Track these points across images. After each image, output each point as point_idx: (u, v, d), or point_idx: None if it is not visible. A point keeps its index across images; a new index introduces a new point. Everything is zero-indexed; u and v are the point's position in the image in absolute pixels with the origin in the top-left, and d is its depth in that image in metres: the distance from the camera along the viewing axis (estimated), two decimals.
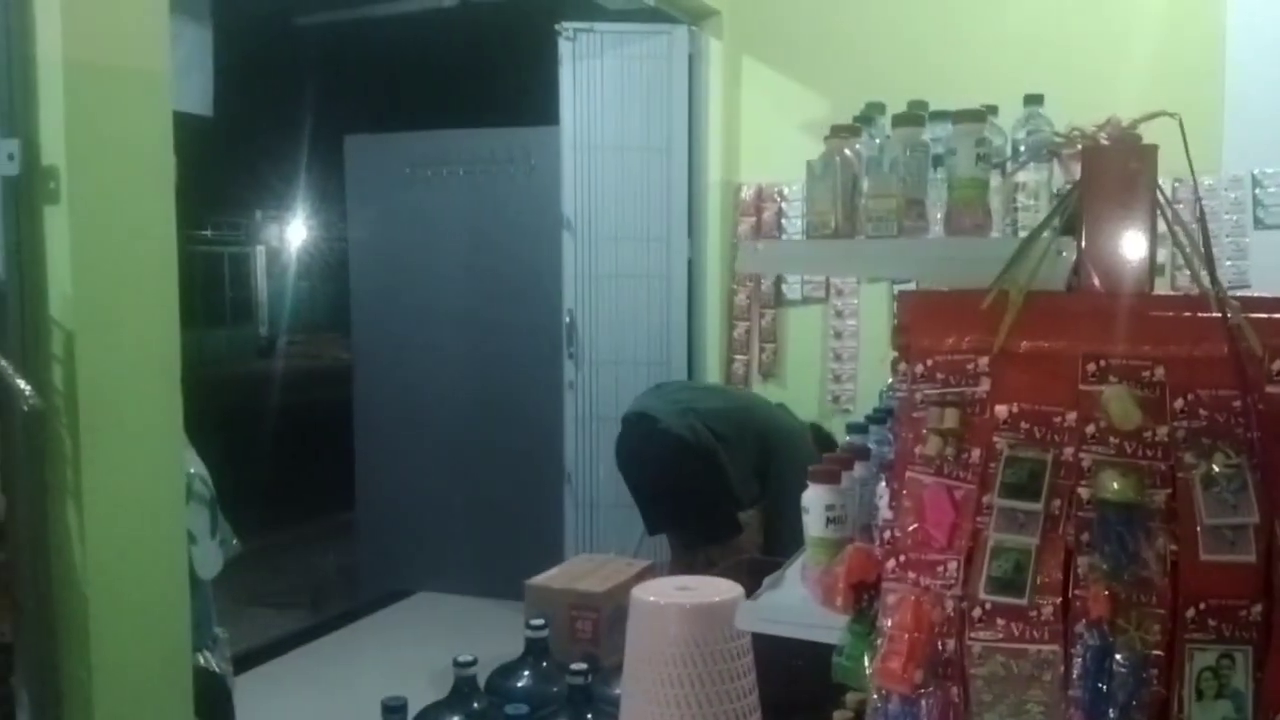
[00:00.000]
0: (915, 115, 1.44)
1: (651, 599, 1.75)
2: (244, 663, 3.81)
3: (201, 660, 2.17)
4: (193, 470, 2.17)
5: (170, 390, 2.05)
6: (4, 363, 1.78)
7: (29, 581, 1.85)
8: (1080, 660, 1.08)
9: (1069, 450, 1.15)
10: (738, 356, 4.48)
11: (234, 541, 2.34)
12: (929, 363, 1.24)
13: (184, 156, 2.12)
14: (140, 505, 1.98)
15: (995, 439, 1.19)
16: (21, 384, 1.76)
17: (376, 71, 5.15)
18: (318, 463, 5.79)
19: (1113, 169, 1.24)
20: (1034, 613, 1.11)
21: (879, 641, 1.18)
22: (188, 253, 2.17)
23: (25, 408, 1.78)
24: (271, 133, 4.84)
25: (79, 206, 1.87)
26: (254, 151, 4.59)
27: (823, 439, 3.95)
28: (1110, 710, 1.06)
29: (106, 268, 1.91)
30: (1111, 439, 1.13)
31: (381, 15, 4.82)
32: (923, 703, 1.15)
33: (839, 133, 1.48)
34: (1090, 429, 1.14)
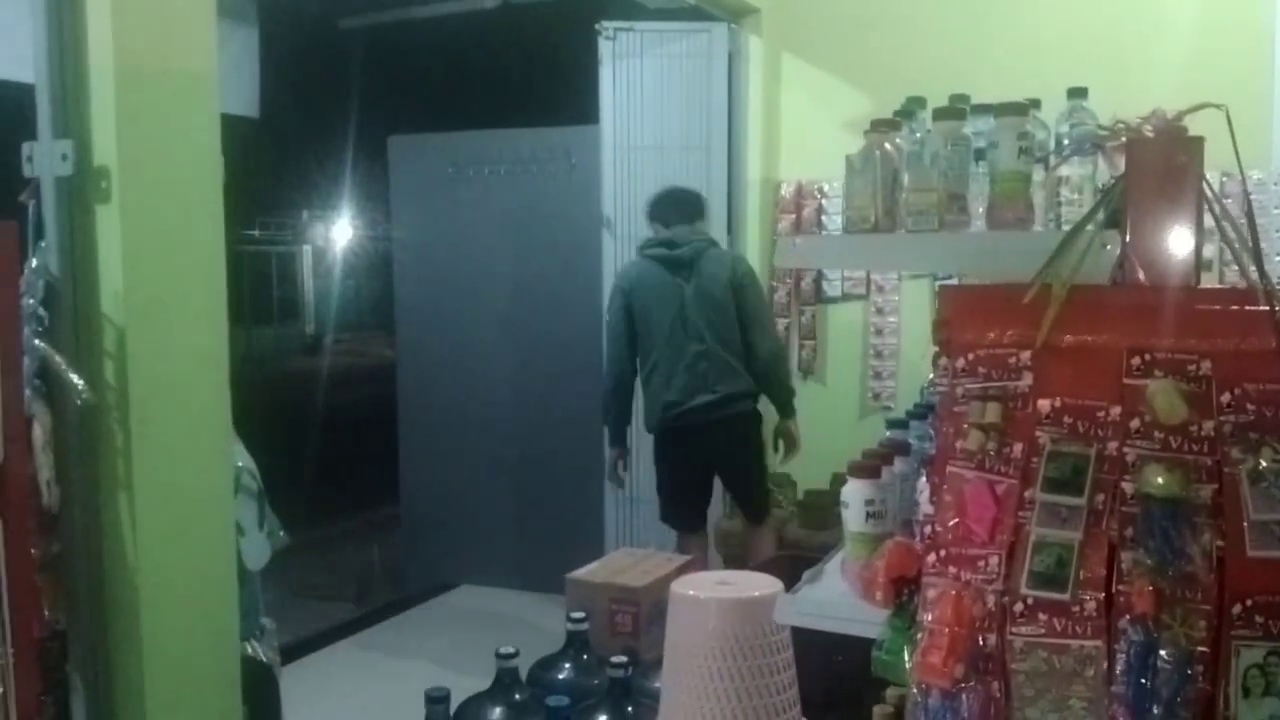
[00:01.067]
0: (956, 109, 1.43)
1: (691, 593, 1.75)
2: (292, 653, 3.88)
3: (249, 649, 2.21)
4: (241, 464, 2.21)
5: (219, 385, 2.09)
6: (58, 358, 1.82)
7: (82, 571, 1.90)
8: (1124, 656, 1.07)
9: (1113, 445, 1.14)
10: None
11: (281, 534, 2.38)
12: (970, 357, 1.23)
13: (232, 158, 2.15)
14: (189, 497, 2.02)
15: (1038, 433, 1.18)
16: (75, 378, 1.81)
17: (420, 72, 5.21)
18: (363, 458, 5.87)
19: (1158, 161, 1.22)
20: (1076, 608, 1.10)
21: (919, 636, 1.18)
22: (236, 252, 2.22)
23: (78, 402, 1.82)
24: (317, 134, 4.92)
25: (130, 205, 1.91)
26: (300, 152, 4.67)
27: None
28: (1154, 707, 1.04)
29: (156, 265, 1.95)
30: (1156, 433, 1.12)
31: (424, 17, 4.86)
32: (963, 697, 1.14)
33: (879, 127, 1.47)
34: (1135, 423, 1.13)
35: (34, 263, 1.86)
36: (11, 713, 1.60)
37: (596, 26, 4.26)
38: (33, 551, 1.74)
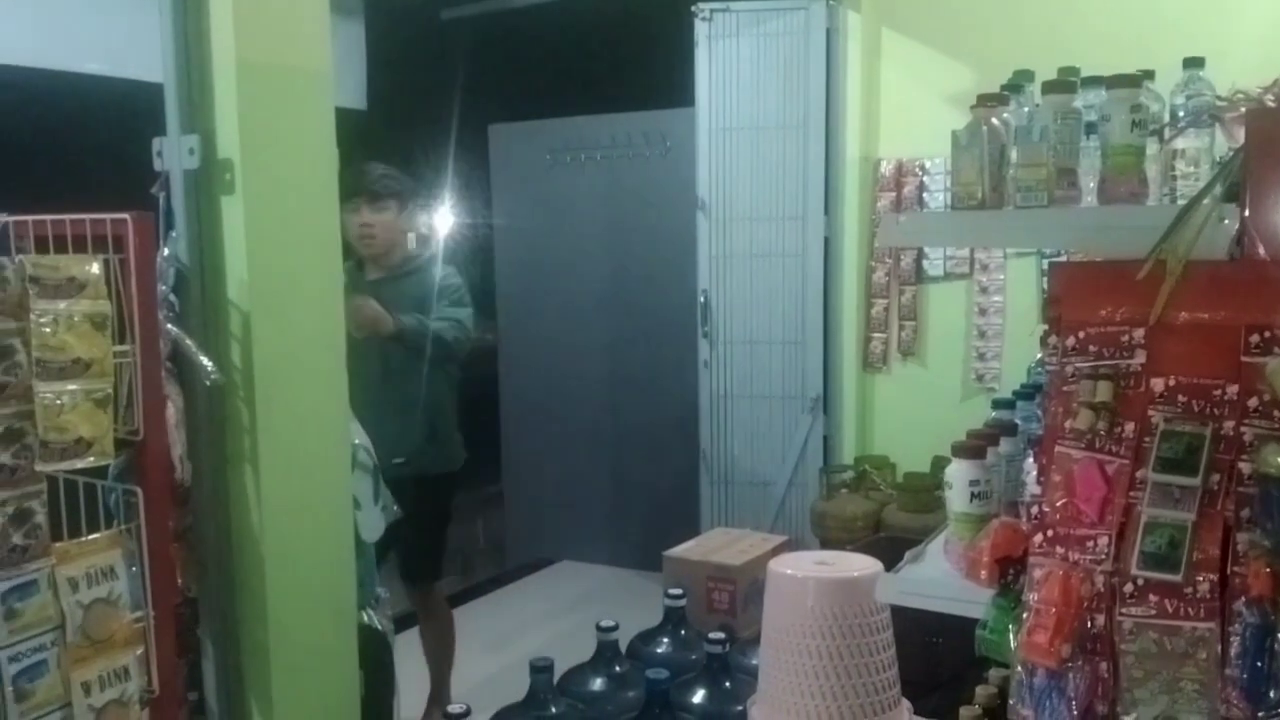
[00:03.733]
0: (1067, 81, 1.40)
1: (789, 571, 1.76)
2: (401, 623, 4.03)
3: (365, 618, 2.31)
4: (357, 441, 2.31)
5: (336, 366, 2.18)
6: (188, 341, 1.93)
7: (212, 541, 2.01)
8: (1238, 639, 1.05)
9: (1229, 424, 1.11)
10: (875, 335, 4.41)
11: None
12: (1081, 335, 1.21)
13: (339, 149, 2.23)
14: (311, 472, 2.12)
15: (1150, 412, 1.16)
16: (204, 360, 1.92)
17: (519, 60, 5.28)
18: (467, 437, 6.01)
19: None
20: (1189, 589, 1.08)
21: (1025, 615, 1.18)
22: (345, 241, 2.30)
23: (208, 382, 1.93)
24: (420, 124, 5.04)
25: (252, 196, 2.00)
26: (404, 142, 4.80)
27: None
28: (1271, 690, 1.02)
29: (277, 252, 2.05)
30: (1276, 412, 1.09)
31: (523, 5, 4.92)
32: (1070, 677, 1.14)
33: (985, 101, 1.45)
34: (1253, 402, 1.10)
35: (165, 251, 1.97)
36: (152, 671, 1.72)
37: (692, 8, 4.26)
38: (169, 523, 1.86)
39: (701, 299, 4.39)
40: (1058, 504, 1.20)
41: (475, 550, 5.59)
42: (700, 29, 4.26)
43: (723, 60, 4.28)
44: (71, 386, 1.54)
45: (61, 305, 1.54)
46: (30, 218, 1.71)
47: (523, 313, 5.41)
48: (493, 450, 5.50)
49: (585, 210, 5.14)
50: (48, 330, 1.52)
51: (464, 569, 5.27)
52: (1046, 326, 1.35)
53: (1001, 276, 4.20)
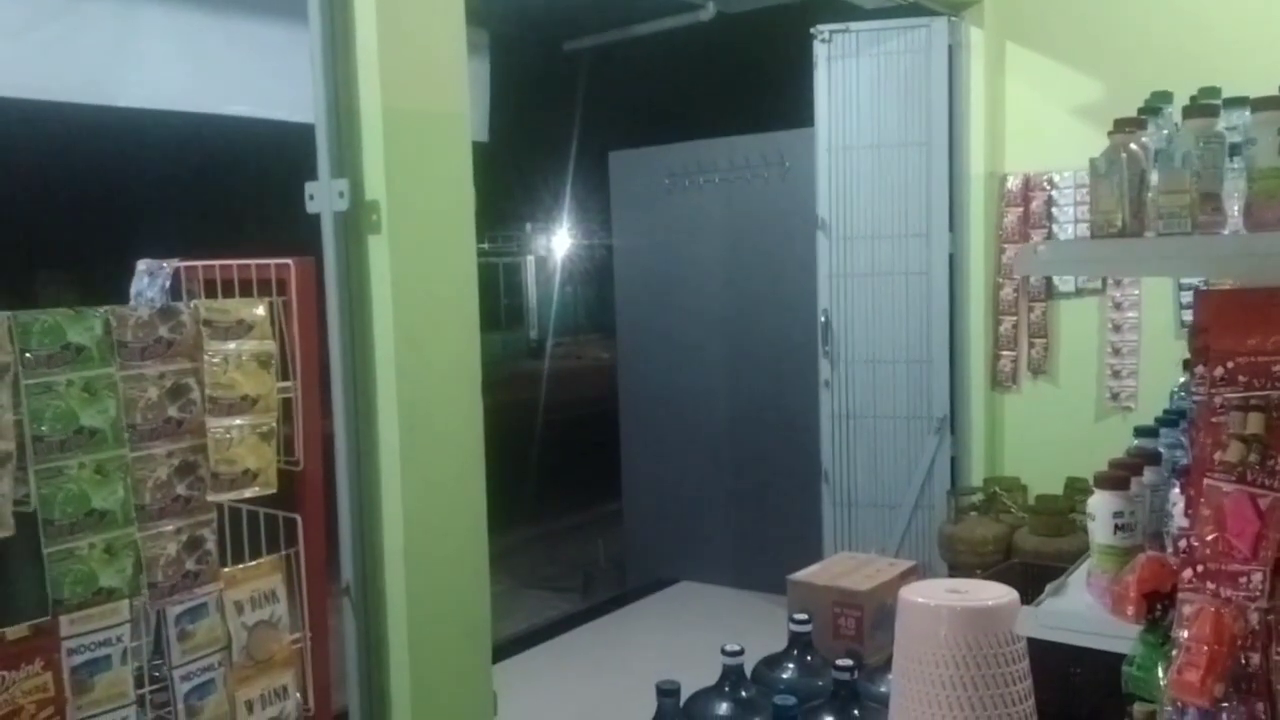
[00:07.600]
0: (1209, 105, 1.36)
1: (921, 600, 1.75)
2: (526, 640, 4.13)
3: None
4: None
5: (473, 395, 2.27)
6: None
7: (358, 564, 2.11)
8: None
9: None
10: (1004, 352, 4.31)
11: None
12: (1230, 365, 1.18)
13: None
14: (449, 492, 2.21)
15: None
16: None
17: (638, 88, 5.39)
18: (587, 455, 6.10)
19: None
20: None
21: (1174, 653, 1.15)
22: None
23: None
24: (541, 152, 5.19)
25: (397, 234, 2.11)
26: (525, 170, 4.95)
27: None
28: None
29: (420, 287, 2.16)
30: None
31: (642, 34, 5.01)
32: (1223, 717, 1.11)
33: (1123, 126, 1.42)
34: None
35: None
36: (309, 690, 1.83)
37: (811, 30, 4.26)
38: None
39: (822, 318, 4.37)
40: (1208, 538, 1.16)
41: (596, 568, 5.66)
42: (819, 51, 4.26)
43: (842, 80, 4.27)
44: (239, 421, 1.66)
45: (231, 346, 1.66)
46: (200, 263, 1.85)
47: (641, 333, 5.49)
48: (612, 468, 5.59)
49: (704, 231, 5.19)
50: (218, 369, 1.65)
51: (585, 588, 5.35)
52: (1190, 355, 1.32)
53: (1136, 292, 4.05)
